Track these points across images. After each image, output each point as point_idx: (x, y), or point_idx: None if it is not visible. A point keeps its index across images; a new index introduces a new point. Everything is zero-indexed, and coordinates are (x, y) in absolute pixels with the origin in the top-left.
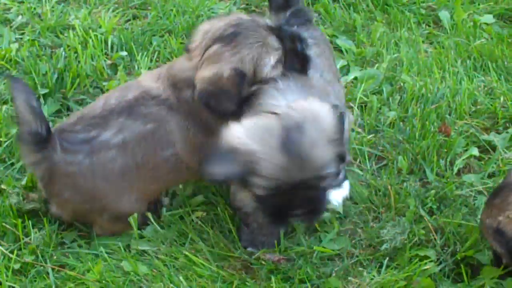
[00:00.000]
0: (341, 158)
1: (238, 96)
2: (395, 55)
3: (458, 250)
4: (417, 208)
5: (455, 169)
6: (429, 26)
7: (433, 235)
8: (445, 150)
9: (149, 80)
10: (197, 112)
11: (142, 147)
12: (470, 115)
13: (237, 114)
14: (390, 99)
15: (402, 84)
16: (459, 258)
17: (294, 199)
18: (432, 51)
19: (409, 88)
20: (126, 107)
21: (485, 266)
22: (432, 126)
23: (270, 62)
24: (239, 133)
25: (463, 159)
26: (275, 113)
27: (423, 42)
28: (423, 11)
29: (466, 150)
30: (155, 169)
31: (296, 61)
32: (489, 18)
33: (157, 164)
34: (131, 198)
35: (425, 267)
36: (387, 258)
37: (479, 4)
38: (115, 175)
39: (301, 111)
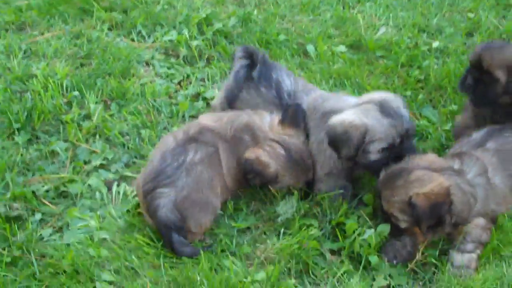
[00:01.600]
0: None
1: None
2: None
3: (333, 218)
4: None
5: None
6: (300, 56)
7: (315, 208)
8: None
9: (207, 119)
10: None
11: (210, 164)
12: None
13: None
14: None
15: None
16: (334, 224)
17: (401, 150)
18: (304, 74)
19: None
20: (192, 137)
21: (349, 223)
22: None
23: None
24: (348, 118)
25: None
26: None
27: (296, 68)
28: (295, 46)
29: None
30: (222, 178)
31: None
32: (342, 48)
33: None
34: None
35: (311, 232)
36: (283, 228)
37: (334, 38)
38: (208, 183)
39: (376, 97)
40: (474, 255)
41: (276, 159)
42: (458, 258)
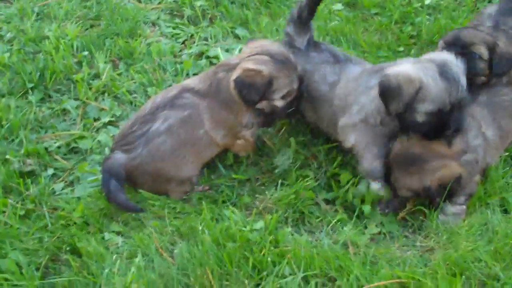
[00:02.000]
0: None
1: (262, 94)
2: (277, 37)
3: (328, 169)
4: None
5: None
6: None
7: (310, 160)
8: None
9: (190, 80)
10: (221, 92)
11: (183, 129)
12: None
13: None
14: None
15: None
16: (329, 175)
17: (449, 120)
18: None
19: None
20: (168, 101)
21: (343, 174)
22: None
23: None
24: (405, 71)
25: None
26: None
27: None
28: (293, 5)
29: None
30: (195, 145)
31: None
32: (339, 6)
33: (195, 141)
34: (187, 167)
35: (307, 183)
36: (281, 179)
37: None
38: (168, 154)
39: (439, 57)
40: (464, 206)
41: (264, 64)
42: (449, 209)
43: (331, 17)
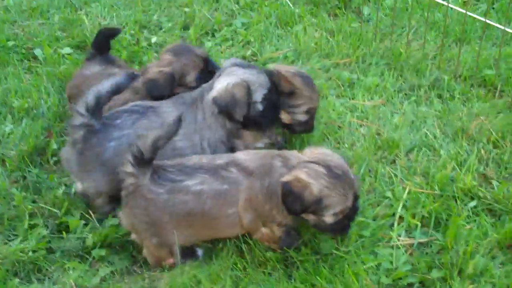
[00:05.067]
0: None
1: (307, 209)
2: (5, 85)
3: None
4: None
5: None
6: (29, 61)
7: None
8: None
9: (242, 154)
10: (269, 180)
11: (212, 201)
12: None
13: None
14: None
15: None
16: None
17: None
18: (32, 78)
19: None
20: (213, 168)
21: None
22: None
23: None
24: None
25: None
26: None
27: (25, 73)
28: (24, 51)
29: None
30: (216, 220)
31: None
32: (67, 50)
33: (218, 217)
34: (183, 235)
35: None
36: None
37: (62, 40)
38: (180, 214)
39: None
40: None
41: (317, 178)
42: None
43: (61, 61)
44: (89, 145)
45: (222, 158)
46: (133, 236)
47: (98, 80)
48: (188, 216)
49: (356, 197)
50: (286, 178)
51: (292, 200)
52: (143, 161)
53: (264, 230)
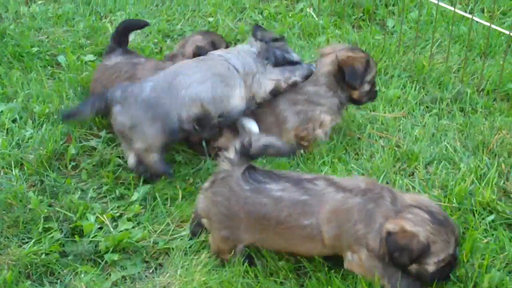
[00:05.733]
0: None
1: (415, 260)
2: (28, 91)
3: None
4: None
5: None
6: (52, 67)
7: None
8: None
9: (345, 180)
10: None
11: (289, 210)
12: None
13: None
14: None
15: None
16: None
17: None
18: (54, 83)
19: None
20: (298, 179)
21: None
22: None
23: None
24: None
25: None
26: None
27: (48, 79)
28: (47, 57)
29: None
30: (289, 230)
31: None
32: (91, 57)
33: (292, 227)
34: (255, 237)
35: None
36: None
37: (85, 48)
38: (255, 215)
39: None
40: None
41: (423, 225)
42: None
43: (83, 68)
44: (128, 93)
45: (312, 175)
46: (204, 221)
47: (122, 70)
48: (263, 219)
49: (457, 244)
50: (391, 227)
51: (399, 253)
52: (246, 155)
53: (350, 256)
